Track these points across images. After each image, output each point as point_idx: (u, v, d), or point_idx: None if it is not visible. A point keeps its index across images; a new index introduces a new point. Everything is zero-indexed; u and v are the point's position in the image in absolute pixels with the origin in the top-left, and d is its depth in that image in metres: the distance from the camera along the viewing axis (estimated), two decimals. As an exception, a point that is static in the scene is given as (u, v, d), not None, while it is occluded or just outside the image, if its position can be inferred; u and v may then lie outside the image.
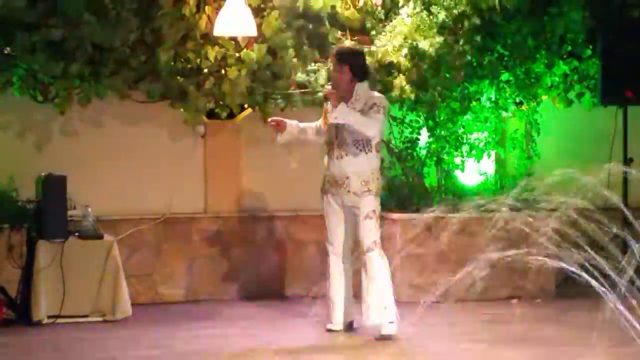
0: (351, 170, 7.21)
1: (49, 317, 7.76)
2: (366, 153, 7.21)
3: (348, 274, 7.45)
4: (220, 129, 8.96)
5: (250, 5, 8.23)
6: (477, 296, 8.31)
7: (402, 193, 8.94)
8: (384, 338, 7.18)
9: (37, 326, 7.69)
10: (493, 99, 9.20)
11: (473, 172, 9.28)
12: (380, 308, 7.21)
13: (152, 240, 8.78)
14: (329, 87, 7.34)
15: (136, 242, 8.69)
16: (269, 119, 7.63)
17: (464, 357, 6.75)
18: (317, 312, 7.81)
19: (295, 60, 8.51)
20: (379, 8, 8.74)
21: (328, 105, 7.32)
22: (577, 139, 9.57)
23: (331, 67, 7.75)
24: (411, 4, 8.71)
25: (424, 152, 9.12)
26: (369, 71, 7.50)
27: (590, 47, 9.16)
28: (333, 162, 7.28)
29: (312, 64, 8.57)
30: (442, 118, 9.02)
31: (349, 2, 8.68)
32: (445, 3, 8.68)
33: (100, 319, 7.90)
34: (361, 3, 8.70)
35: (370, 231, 7.22)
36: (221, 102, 8.49)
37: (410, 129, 9.08)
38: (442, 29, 8.70)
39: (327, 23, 8.61)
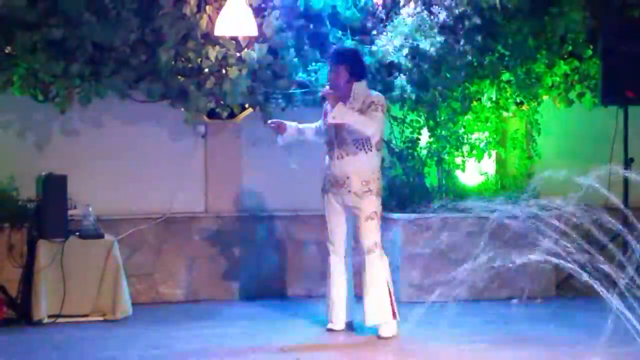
0: (352, 170, 7.21)
1: (50, 316, 7.77)
2: (366, 152, 7.21)
3: (348, 273, 7.45)
4: (220, 129, 8.96)
5: (250, 5, 8.23)
6: (477, 296, 8.31)
7: (402, 193, 8.94)
8: (384, 338, 7.19)
9: (38, 325, 7.69)
10: (494, 98, 9.20)
11: (474, 172, 9.28)
12: (381, 308, 7.21)
13: (153, 240, 8.78)
14: (326, 87, 7.34)
15: (136, 241, 8.69)
16: (269, 121, 7.64)
17: (464, 357, 6.75)
18: (318, 311, 7.82)
19: (296, 60, 8.51)
20: (380, 8, 8.74)
21: (327, 106, 7.32)
22: (577, 139, 9.56)
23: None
24: (412, 4, 8.71)
25: (424, 152, 9.12)
26: (366, 70, 7.50)
27: (591, 47, 9.16)
28: (334, 162, 7.28)
29: (313, 64, 8.57)
30: (442, 118, 9.02)
31: (350, 2, 8.69)
32: (446, 3, 8.68)
33: (100, 318, 7.91)
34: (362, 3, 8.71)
35: (371, 232, 7.22)
36: (222, 102, 8.49)
37: (411, 129, 9.08)
38: (442, 28, 8.70)
39: (327, 23, 8.61)
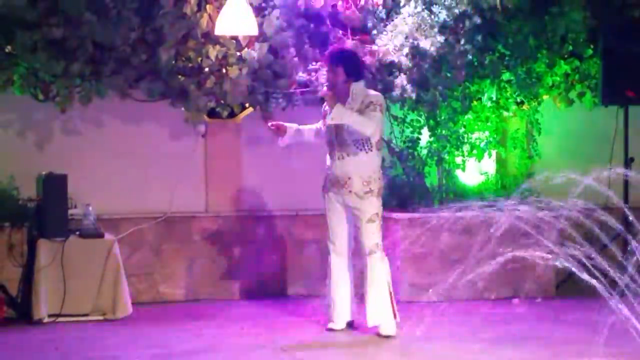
0: (353, 171, 7.21)
1: (50, 315, 7.77)
2: (367, 152, 7.21)
3: (349, 273, 7.45)
4: (221, 128, 8.96)
5: (251, 4, 8.22)
6: (477, 296, 8.32)
7: (403, 192, 8.93)
8: (384, 337, 7.19)
9: (38, 325, 7.69)
10: (494, 98, 9.21)
11: (474, 171, 9.28)
12: (381, 308, 7.22)
13: (153, 240, 8.78)
14: (324, 89, 7.35)
15: (137, 241, 8.69)
16: (269, 124, 7.65)
17: (464, 357, 6.75)
18: (318, 311, 7.82)
19: (296, 59, 8.50)
20: (380, 7, 8.74)
21: (326, 107, 7.33)
22: (578, 139, 9.57)
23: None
24: (412, 4, 8.70)
25: (425, 151, 9.12)
26: (363, 70, 7.50)
27: (592, 46, 9.16)
28: (334, 163, 7.29)
29: (313, 63, 8.57)
30: (443, 117, 9.02)
31: (350, 1, 8.69)
32: (446, 2, 8.67)
33: (100, 317, 7.90)
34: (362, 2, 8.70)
35: (372, 234, 7.22)
36: (222, 101, 8.48)
37: (411, 129, 9.08)
38: (443, 28, 8.69)
39: (328, 22, 8.61)
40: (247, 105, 8.73)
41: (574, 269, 5.88)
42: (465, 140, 9.14)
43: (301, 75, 8.52)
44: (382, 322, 7.23)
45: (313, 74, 8.51)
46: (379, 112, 7.18)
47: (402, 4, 8.76)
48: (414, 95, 8.71)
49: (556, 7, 8.94)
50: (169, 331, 7.52)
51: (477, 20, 8.72)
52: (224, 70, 8.37)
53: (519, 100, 9.23)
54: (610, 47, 8.93)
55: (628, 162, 9.04)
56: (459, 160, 9.15)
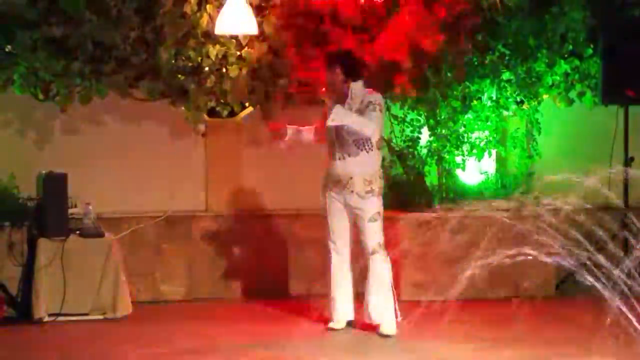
0: (354, 171, 7.21)
1: (50, 315, 7.77)
2: (367, 152, 7.21)
3: (350, 272, 7.46)
4: (221, 128, 8.96)
5: (251, 4, 8.22)
6: (477, 295, 8.31)
7: (403, 192, 8.93)
8: (385, 337, 7.19)
9: (38, 324, 7.69)
10: (494, 97, 9.20)
11: (474, 171, 9.28)
12: (382, 308, 7.22)
13: (153, 239, 8.78)
14: (323, 90, 7.35)
15: (137, 240, 8.69)
16: (269, 126, 7.65)
17: (464, 356, 6.75)
18: (318, 310, 7.82)
19: (296, 58, 8.50)
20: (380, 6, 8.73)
21: (326, 108, 7.32)
22: (578, 138, 9.56)
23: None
24: (413, 2, 8.70)
25: (424, 151, 9.11)
26: (362, 70, 7.50)
27: (592, 46, 9.15)
28: (335, 163, 7.29)
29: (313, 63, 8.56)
30: (443, 117, 9.02)
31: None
32: (446, 1, 8.67)
33: (101, 317, 7.90)
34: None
35: (375, 233, 7.23)
36: (222, 101, 8.49)
37: (411, 128, 9.08)
38: (443, 27, 8.69)
39: (328, 21, 8.60)
40: (247, 104, 8.73)
41: (573, 269, 5.88)
42: (465, 140, 9.13)
43: (301, 75, 8.52)
44: (384, 321, 7.24)
45: (313, 73, 8.51)
46: (378, 112, 7.18)
47: (402, 3, 8.76)
48: (414, 95, 8.71)
49: (556, 6, 8.94)
50: (169, 330, 7.53)
51: (477, 19, 8.72)
52: (224, 70, 8.38)
53: (519, 99, 9.22)
54: (610, 46, 8.93)
55: (628, 162, 9.04)
56: (459, 159, 9.15)
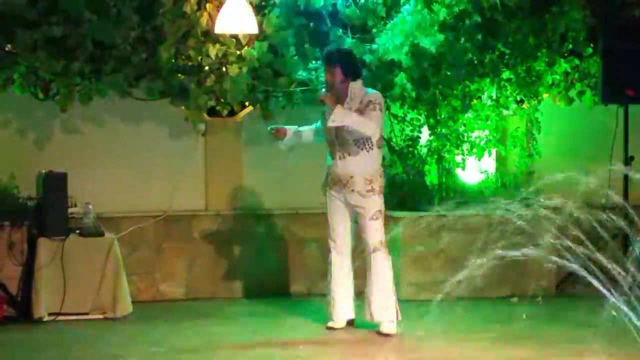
0: (355, 170, 7.21)
1: (50, 314, 7.77)
2: (368, 151, 7.21)
3: (350, 271, 7.46)
4: (221, 127, 8.95)
5: (251, 3, 8.22)
6: (477, 294, 8.30)
7: (402, 191, 8.93)
8: (385, 336, 7.19)
9: (38, 323, 7.69)
10: (494, 97, 9.20)
11: (474, 170, 9.28)
12: (383, 307, 7.22)
13: (153, 238, 8.78)
14: (323, 91, 7.34)
15: (137, 239, 8.69)
16: (269, 128, 7.65)
17: (464, 355, 6.75)
18: (318, 309, 7.82)
19: (296, 58, 8.50)
20: (380, 6, 8.73)
21: (326, 108, 7.32)
22: (578, 137, 9.56)
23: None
24: (412, 2, 8.71)
25: (424, 150, 9.11)
26: (361, 69, 7.50)
27: (592, 45, 9.15)
28: (336, 162, 7.29)
29: (313, 62, 8.57)
30: (443, 116, 9.01)
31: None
32: (446, 1, 8.67)
33: (101, 316, 7.91)
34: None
35: (376, 231, 7.23)
36: (222, 100, 8.48)
37: (411, 127, 9.08)
38: (443, 27, 8.70)
39: (328, 21, 8.61)
40: (247, 103, 8.73)
41: (574, 268, 5.88)
42: (465, 139, 9.13)
43: (301, 74, 8.52)
44: (384, 320, 7.23)
45: (313, 72, 8.51)
46: (378, 111, 7.18)
47: (402, 3, 8.76)
48: (413, 94, 8.72)
49: (556, 5, 8.93)
50: (169, 329, 7.53)
51: (477, 18, 8.72)
52: (224, 69, 8.38)
53: (518, 98, 9.22)
54: (610, 45, 8.92)
55: (628, 161, 9.04)
56: (458, 158, 9.15)
